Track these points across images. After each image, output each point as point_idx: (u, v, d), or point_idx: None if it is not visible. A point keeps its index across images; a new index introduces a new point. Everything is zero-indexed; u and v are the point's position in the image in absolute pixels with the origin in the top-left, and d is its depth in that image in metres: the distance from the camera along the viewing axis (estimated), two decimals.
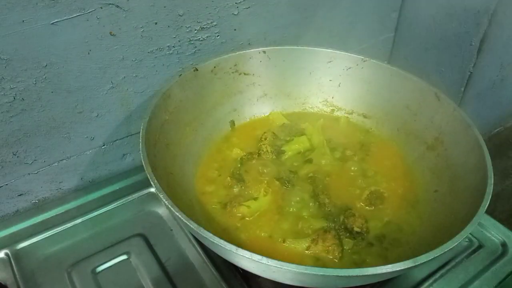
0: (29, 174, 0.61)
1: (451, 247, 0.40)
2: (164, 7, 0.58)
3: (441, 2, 0.81)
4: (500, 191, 0.94)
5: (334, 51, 0.68)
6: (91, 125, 0.62)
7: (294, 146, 0.65)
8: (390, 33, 0.93)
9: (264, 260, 0.38)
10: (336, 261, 0.51)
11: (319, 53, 0.68)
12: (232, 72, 0.66)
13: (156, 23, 0.59)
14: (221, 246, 0.40)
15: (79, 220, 0.61)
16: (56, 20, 0.51)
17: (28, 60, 0.52)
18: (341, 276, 0.38)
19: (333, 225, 0.54)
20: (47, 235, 0.59)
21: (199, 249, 0.57)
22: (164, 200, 0.43)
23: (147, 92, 0.64)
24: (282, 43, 0.73)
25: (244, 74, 0.67)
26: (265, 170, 0.62)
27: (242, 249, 0.39)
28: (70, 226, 0.60)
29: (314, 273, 0.37)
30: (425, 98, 0.62)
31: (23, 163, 0.59)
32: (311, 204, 0.57)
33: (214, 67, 0.64)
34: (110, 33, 0.56)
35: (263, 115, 0.71)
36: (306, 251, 0.52)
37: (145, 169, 0.46)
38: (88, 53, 0.56)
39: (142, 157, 0.47)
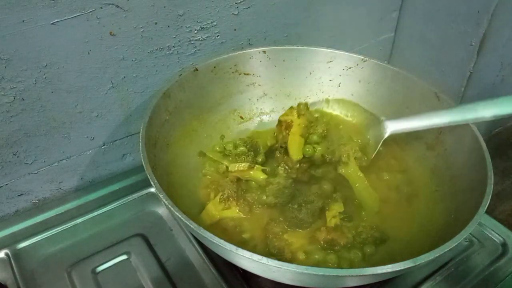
0: (29, 174, 0.61)
1: (451, 247, 0.40)
2: (164, 7, 0.58)
3: (441, 2, 0.81)
4: (500, 191, 0.94)
5: (334, 51, 0.67)
6: (91, 125, 0.62)
7: None
8: (390, 33, 0.93)
9: (264, 260, 0.38)
10: None
11: (319, 53, 0.68)
12: (232, 72, 0.66)
13: (156, 23, 0.59)
14: (221, 246, 0.40)
15: (79, 220, 0.61)
16: (56, 20, 0.51)
17: (28, 60, 0.52)
18: (341, 276, 0.38)
19: None
20: (47, 235, 0.59)
21: (199, 249, 0.57)
22: (164, 200, 0.43)
23: (147, 92, 0.64)
24: (282, 43, 0.73)
25: (244, 74, 0.67)
26: None
27: (242, 249, 0.39)
28: (70, 226, 0.60)
29: (314, 273, 0.37)
30: (425, 98, 0.61)
31: (23, 163, 0.59)
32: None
33: (214, 67, 0.64)
34: (110, 33, 0.56)
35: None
36: None
37: (145, 169, 0.46)
38: (88, 53, 0.56)
39: (142, 157, 0.47)
